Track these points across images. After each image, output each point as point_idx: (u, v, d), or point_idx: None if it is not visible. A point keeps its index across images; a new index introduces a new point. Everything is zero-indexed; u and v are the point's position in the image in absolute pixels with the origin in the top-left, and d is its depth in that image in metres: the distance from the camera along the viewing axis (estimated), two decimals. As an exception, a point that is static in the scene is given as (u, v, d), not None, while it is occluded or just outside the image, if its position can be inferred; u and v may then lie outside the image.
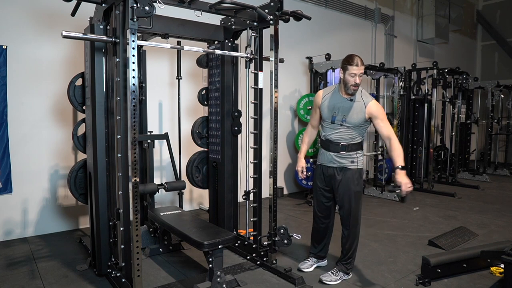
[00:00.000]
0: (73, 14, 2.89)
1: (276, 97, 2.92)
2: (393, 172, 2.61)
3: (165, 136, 3.64)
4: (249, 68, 3.18)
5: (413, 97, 6.52)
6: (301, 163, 3.00)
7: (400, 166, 2.54)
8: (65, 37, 2.35)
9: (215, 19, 3.21)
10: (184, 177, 3.70)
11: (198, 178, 3.62)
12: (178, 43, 3.52)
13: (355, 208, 2.77)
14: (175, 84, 4.02)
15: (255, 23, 3.02)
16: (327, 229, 2.98)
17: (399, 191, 2.50)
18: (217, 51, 3.11)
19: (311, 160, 5.11)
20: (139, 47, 3.38)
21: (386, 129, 2.70)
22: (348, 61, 2.66)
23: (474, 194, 5.99)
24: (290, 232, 3.00)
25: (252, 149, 3.15)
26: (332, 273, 2.83)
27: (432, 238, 3.64)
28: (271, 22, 2.85)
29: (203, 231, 2.77)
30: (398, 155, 2.59)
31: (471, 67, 10.14)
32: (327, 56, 5.30)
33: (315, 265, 3.04)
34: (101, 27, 2.60)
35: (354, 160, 2.77)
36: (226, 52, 3.13)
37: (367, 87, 7.12)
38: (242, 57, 3.13)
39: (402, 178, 2.51)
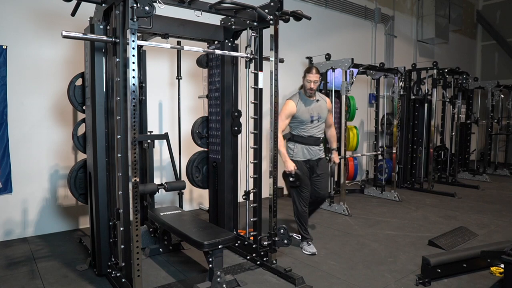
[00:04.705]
0: (73, 14, 2.89)
1: (276, 97, 2.92)
2: (330, 154, 3.69)
3: (165, 136, 3.64)
4: (249, 68, 3.18)
5: (413, 97, 6.51)
6: (291, 163, 3.28)
7: (335, 148, 3.71)
8: (65, 37, 2.35)
9: (215, 19, 3.21)
10: (184, 177, 3.70)
11: (198, 178, 3.62)
12: (178, 43, 3.52)
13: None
14: (175, 84, 4.02)
15: (255, 23, 3.02)
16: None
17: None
18: (217, 51, 3.11)
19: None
20: (139, 47, 3.38)
21: (332, 119, 3.67)
22: (307, 69, 3.35)
23: (474, 194, 5.99)
24: (290, 232, 3.00)
25: (252, 149, 3.15)
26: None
27: (432, 238, 3.64)
28: (271, 22, 2.84)
29: (203, 231, 2.77)
30: (335, 140, 3.70)
31: (471, 67, 10.14)
32: (327, 56, 5.29)
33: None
34: (101, 27, 2.60)
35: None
36: (226, 52, 3.13)
37: (367, 87, 7.13)
38: (242, 57, 3.13)
39: (337, 156, 3.70)
